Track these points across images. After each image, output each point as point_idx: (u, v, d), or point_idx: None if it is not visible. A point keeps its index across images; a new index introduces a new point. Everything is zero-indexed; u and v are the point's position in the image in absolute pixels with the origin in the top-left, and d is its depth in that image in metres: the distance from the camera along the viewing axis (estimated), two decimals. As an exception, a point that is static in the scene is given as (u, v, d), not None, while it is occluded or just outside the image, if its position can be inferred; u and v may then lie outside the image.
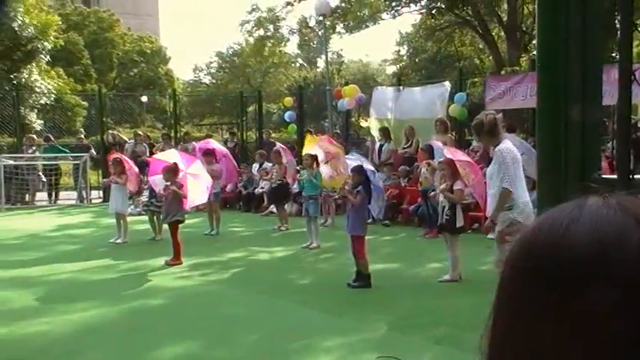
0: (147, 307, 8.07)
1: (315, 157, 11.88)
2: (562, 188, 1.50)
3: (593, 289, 0.70)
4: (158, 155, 12.95)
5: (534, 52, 23.25)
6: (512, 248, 0.79)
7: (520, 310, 0.75)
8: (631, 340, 0.69)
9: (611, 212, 0.73)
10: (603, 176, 1.55)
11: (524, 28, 26.29)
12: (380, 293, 8.55)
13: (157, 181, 11.34)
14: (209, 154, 13.52)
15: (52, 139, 21.90)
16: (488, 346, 0.79)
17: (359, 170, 9.23)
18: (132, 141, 20.18)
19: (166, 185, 10.71)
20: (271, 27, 31.73)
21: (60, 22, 33.71)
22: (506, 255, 0.81)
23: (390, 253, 11.44)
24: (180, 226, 10.68)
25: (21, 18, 27.85)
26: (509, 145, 7.33)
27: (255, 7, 31.89)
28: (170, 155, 11.70)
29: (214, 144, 15.06)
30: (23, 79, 28.60)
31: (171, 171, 10.75)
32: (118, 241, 12.52)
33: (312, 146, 12.11)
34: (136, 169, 13.50)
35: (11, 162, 19.86)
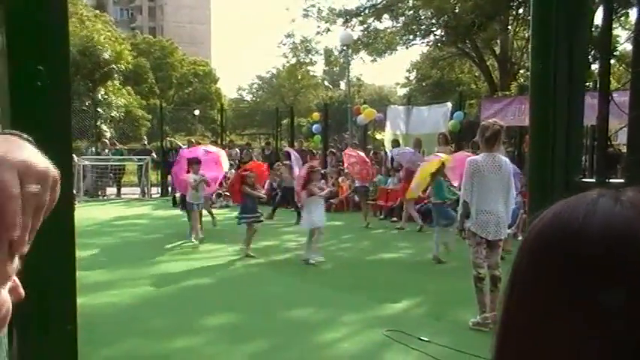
0: (197, 285, 8.13)
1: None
2: (549, 190, 1.53)
3: (597, 288, 0.59)
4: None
5: (522, 80, 23.17)
6: (529, 236, 0.68)
7: (531, 295, 0.65)
8: (630, 344, 0.58)
9: (623, 209, 0.63)
10: (584, 180, 1.55)
11: (513, 60, 26.22)
12: (389, 276, 8.55)
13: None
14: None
15: (117, 144, 22.47)
16: (501, 325, 0.69)
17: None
18: (185, 146, 20.29)
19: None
20: (303, 54, 31.72)
21: (130, 50, 34.31)
22: (522, 242, 0.70)
23: (399, 245, 11.39)
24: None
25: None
26: (475, 158, 6.22)
27: (291, 33, 32.01)
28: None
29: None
30: (99, 96, 29.10)
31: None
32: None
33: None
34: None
35: (89, 163, 20.21)
